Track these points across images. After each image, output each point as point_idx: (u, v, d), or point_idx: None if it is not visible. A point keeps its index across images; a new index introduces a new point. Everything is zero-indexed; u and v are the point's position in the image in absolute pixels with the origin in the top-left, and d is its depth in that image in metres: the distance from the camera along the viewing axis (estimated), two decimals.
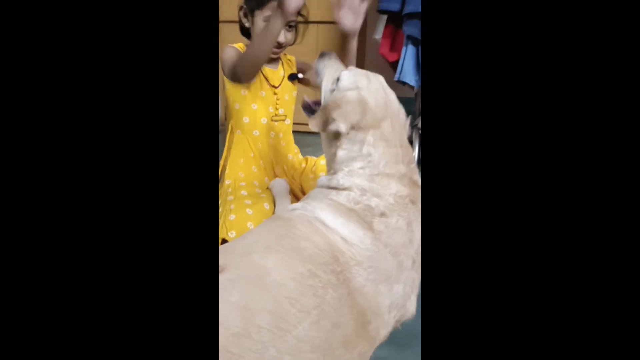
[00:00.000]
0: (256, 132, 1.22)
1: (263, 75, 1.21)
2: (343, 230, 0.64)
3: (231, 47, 1.17)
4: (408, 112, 2.54)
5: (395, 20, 2.03)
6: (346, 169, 0.73)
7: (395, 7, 1.95)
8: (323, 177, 0.77)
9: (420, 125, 2.19)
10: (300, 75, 1.26)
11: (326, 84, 0.85)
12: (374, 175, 0.70)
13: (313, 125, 0.74)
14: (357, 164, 0.72)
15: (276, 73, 1.24)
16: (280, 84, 1.24)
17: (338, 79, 0.80)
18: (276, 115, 1.24)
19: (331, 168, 0.78)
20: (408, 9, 1.89)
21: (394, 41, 2.07)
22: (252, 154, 1.22)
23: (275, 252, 0.60)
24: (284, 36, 1.12)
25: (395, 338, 0.72)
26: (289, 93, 1.27)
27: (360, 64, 2.24)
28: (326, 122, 0.73)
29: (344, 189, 0.70)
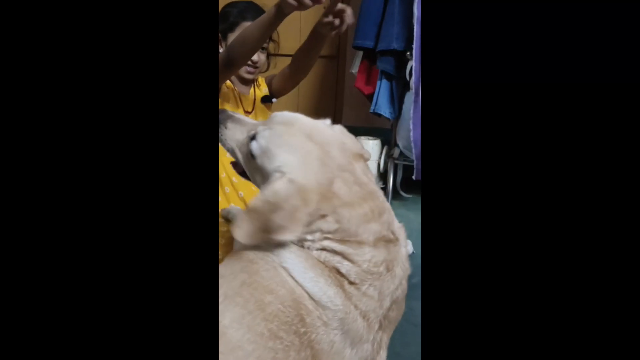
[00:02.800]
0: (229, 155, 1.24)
1: (239, 99, 1.21)
2: (312, 287, 0.57)
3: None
4: (384, 143, 2.60)
5: (370, 56, 2.12)
6: (310, 239, 0.60)
7: (369, 43, 2.04)
8: None
9: (395, 155, 2.25)
10: (274, 100, 1.27)
11: (236, 146, 0.71)
12: (345, 240, 0.60)
13: (242, 237, 0.57)
14: (324, 232, 0.60)
15: (248, 98, 1.24)
16: (253, 109, 1.24)
17: (254, 137, 0.65)
18: None
19: None
20: (381, 45, 1.98)
21: (369, 75, 2.15)
22: (224, 175, 1.21)
23: (234, 306, 0.54)
24: (257, 56, 1.13)
25: None
26: (263, 116, 1.25)
27: (340, 96, 2.31)
28: (266, 232, 0.56)
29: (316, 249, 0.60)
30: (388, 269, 0.61)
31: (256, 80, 1.29)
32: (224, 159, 1.19)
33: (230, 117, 0.74)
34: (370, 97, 2.12)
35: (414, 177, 1.90)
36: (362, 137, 2.31)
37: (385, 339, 0.64)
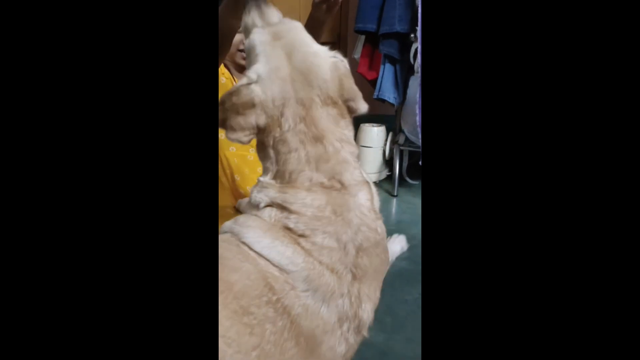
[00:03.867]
0: (232, 149, 1.21)
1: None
2: (270, 252, 0.57)
3: None
4: (388, 130, 2.55)
5: (373, 40, 2.05)
6: (261, 180, 0.64)
7: (371, 27, 1.98)
8: (242, 200, 0.70)
9: (400, 141, 2.20)
10: None
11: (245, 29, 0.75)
12: (283, 186, 0.61)
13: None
14: (269, 175, 0.63)
15: None
16: None
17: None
18: None
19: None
20: (383, 29, 1.92)
21: (372, 60, 2.09)
22: (228, 170, 1.19)
23: None
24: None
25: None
26: None
27: None
28: (223, 125, 0.62)
29: (265, 206, 0.61)
30: (336, 214, 0.59)
31: None
32: (227, 154, 1.18)
33: (256, 4, 0.75)
34: (373, 82, 2.07)
35: (420, 162, 1.86)
36: (367, 124, 2.27)
37: (366, 290, 0.61)
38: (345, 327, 0.59)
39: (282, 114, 0.61)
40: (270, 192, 0.61)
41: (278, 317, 0.53)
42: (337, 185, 0.62)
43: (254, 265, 0.56)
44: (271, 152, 0.62)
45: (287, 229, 0.58)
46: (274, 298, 0.54)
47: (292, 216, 0.58)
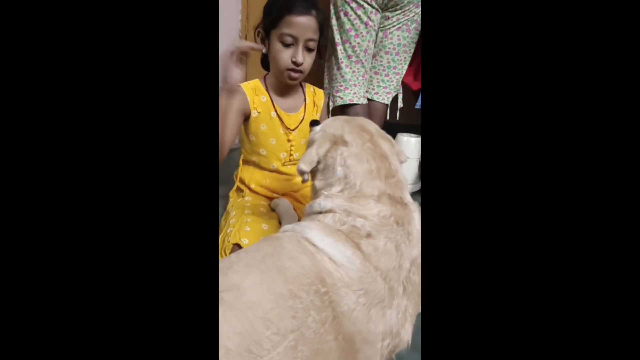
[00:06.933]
0: (273, 166, 1.18)
1: (278, 117, 1.13)
2: (331, 250, 0.59)
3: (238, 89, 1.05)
4: None
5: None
6: (325, 194, 0.70)
7: None
8: (307, 204, 0.74)
9: None
10: None
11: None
12: (352, 196, 0.67)
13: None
14: (335, 188, 0.70)
15: (293, 117, 1.16)
16: (296, 127, 1.16)
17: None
18: (290, 160, 1.18)
19: (313, 198, 0.76)
20: None
21: (418, 70, 2.05)
22: (267, 181, 1.19)
23: (255, 271, 0.55)
24: (301, 56, 1.01)
25: None
26: (306, 138, 1.18)
27: None
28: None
29: (327, 211, 0.67)
30: (398, 224, 0.64)
31: (314, 92, 1.22)
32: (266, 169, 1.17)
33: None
34: (416, 93, 2.03)
35: None
36: (404, 134, 2.22)
37: (411, 310, 0.62)
38: (386, 343, 0.59)
39: (347, 134, 0.74)
40: (337, 200, 0.67)
41: (324, 308, 0.54)
42: (400, 200, 0.67)
43: (311, 259, 0.58)
44: (339, 170, 0.71)
45: (354, 228, 0.62)
46: (323, 290, 0.55)
47: (359, 219, 0.63)
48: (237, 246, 0.93)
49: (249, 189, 1.20)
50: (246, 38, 2.41)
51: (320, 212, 0.68)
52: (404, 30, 1.63)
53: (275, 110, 1.13)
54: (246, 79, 1.13)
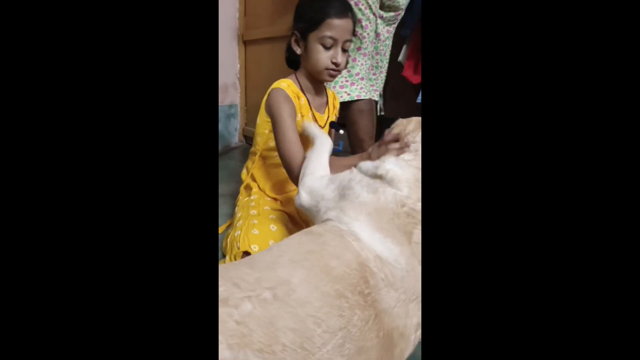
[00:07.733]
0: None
1: (314, 117, 1.17)
2: (379, 246, 0.60)
3: (281, 94, 1.06)
4: None
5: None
6: (394, 159, 0.68)
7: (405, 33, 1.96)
8: (367, 163, 0.71)
9: None
10: (341, 131, 1.22)
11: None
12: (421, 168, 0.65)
13: None
14: (407, 155, 0.68)
15: (322, 118, 1.20)
16: (324, 128, 1.20)
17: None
18: None
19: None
20: None
21: (417, 64, 2.07)
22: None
23: (301, 268, 0.57)
24: (340, 57, 1.06)
25: None
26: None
27: (384, 85, 2.26)
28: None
29: (392, 181, 0.64)
30: None
31: (335, 96, 1.25)
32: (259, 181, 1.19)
33: None
34: (416, 87, 2.04)
35: None
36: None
37: None
38: (418, 333, 0.61)
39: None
40: (408, 171, 0.64)
41: (367, 306, 0.56)
42: None
43: (355, 257, 0.59)
44: (415, 145, 0.71)
45: (413, 211, 0.61)
46: (367, 291, 0.57)
47: (419, 203, 0.62)
48: (247, 253, 0.93)
49: (259, 187, 1.21)
50: (243, 35, 2.40)
51: (381, 178, 0.65)
52: (391, 32, 1.67)
53: (312, 111, 1.16)
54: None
